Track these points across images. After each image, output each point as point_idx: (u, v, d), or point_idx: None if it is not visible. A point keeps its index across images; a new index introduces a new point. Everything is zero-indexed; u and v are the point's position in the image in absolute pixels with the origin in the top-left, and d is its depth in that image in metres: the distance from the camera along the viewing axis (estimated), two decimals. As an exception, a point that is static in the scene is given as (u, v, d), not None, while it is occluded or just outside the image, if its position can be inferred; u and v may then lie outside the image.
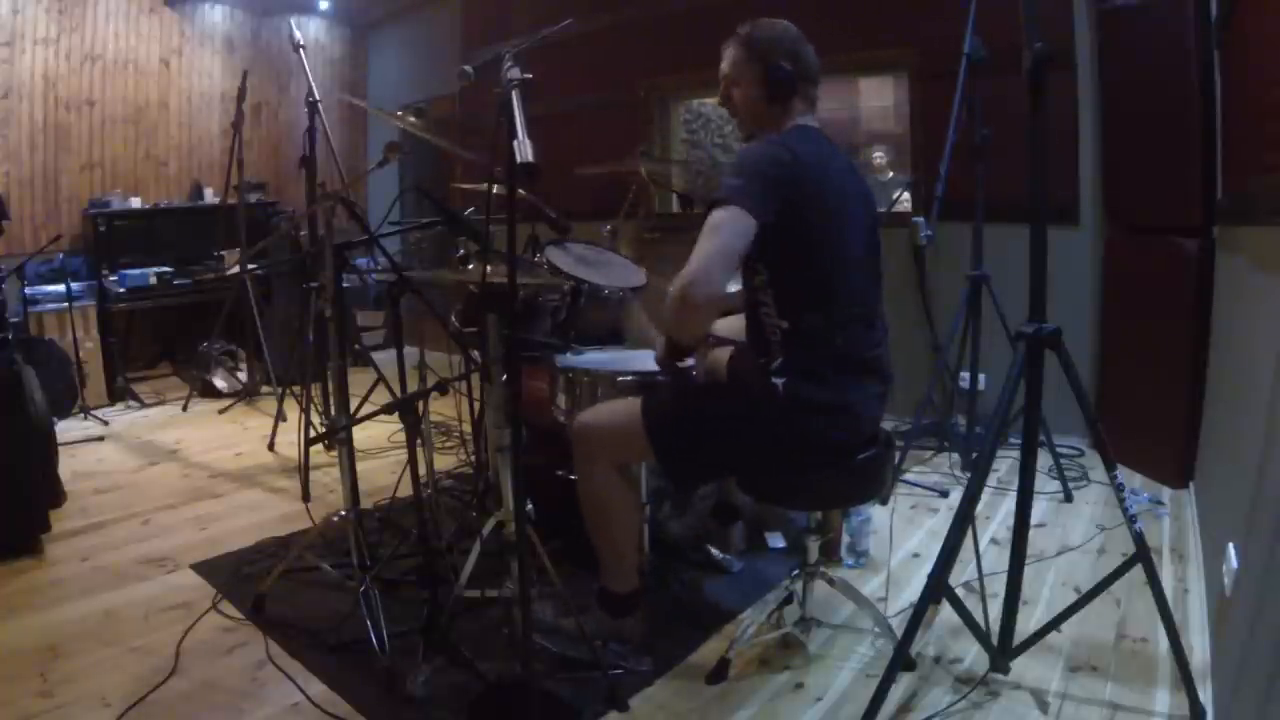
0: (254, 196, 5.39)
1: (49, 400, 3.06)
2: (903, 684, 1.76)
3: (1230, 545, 1.75)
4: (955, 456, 3.27)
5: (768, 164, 1.61)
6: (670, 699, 1.77)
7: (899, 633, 1.69)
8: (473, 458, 2.77)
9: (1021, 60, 1.49)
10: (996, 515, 2.73)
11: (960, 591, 1.76)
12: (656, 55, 4.64)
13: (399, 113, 3.29)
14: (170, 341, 5.47)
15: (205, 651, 1.96)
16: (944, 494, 2.94)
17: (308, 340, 3.22)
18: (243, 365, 4.74)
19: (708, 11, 4.10)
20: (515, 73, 1.40)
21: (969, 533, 1.64)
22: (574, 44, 4.20)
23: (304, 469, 3.05)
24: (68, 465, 3.22)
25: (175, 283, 4.99)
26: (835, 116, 5.56)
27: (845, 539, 2.40)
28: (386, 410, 1.95)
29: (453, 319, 2.66)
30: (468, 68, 1.64)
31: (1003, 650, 1.71)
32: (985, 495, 2.82)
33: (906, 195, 3.93)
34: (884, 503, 2.69)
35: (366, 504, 2.55)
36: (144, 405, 4.54)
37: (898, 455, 3.00)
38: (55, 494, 2.92)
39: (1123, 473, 1.91)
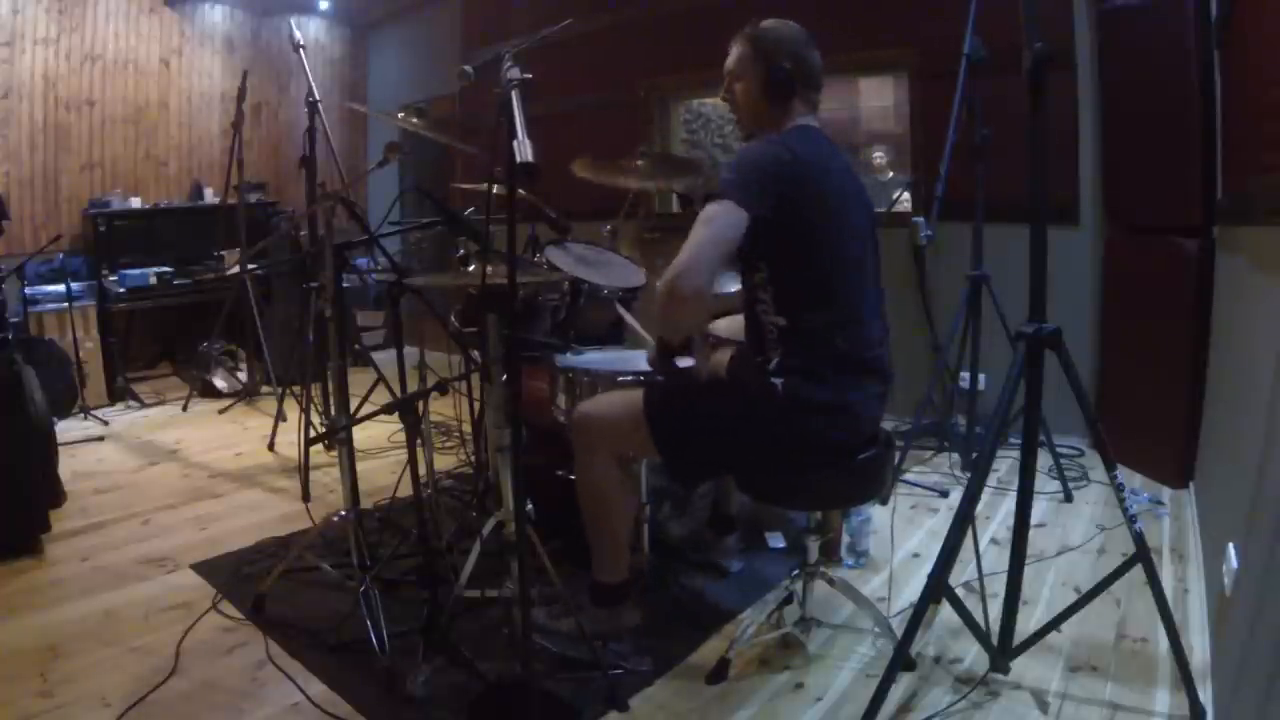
0: (254, 196, 5.39)
1: (49, 400, 3.06)
2: (903, 684, 1.76)
3: (1230, 545, 1.75)
4: (955, 456, 3.27)
5: (766, 161, 1.61)
6: (670, 699, 1.77)
7: (899, 633, 1.69)
8: (473, 458, 2.77)
9: (1021, 60, 1.49)
10: (996, 515, 2.73)
11: (960, 591, 1.76)
12: (656, 55, 4.65)
13: (399, 114, 3.29)
14: (170, 341, 5.47)
15: (205, 651, 1.96)
16: (944, 494, 2.94)
17: (308, 340, 3.22)
18: (243, 365, 4.73)
19: (708, 11, 4.10)
20: (515, 73, 1.40)
21: (969, 533, 1.64)
22: (574, 44, 4.20)
23: (304, 469, 3.05)
24: (68, 465, 3.22)
25: (175, 283, 4.99)
26: (835, 116, 5.56)
27: (845, 539, 2.40)
28: (386, 410, 1.95)
29: (452, 319, 2.66)
30: (468, 68, 1.64)
31: (1003, 650, 1.71)
32: (985, 495, 2.82)
33: (906, 195, 3.93)
34: (884, 503, 2.68)
35: (366, 504, 2.55)
36: (144, 405, 4.54)
37: (898, 455, 3.00)
38: (55, 494, 2.92)
39: (1123, 473, 1.91)
